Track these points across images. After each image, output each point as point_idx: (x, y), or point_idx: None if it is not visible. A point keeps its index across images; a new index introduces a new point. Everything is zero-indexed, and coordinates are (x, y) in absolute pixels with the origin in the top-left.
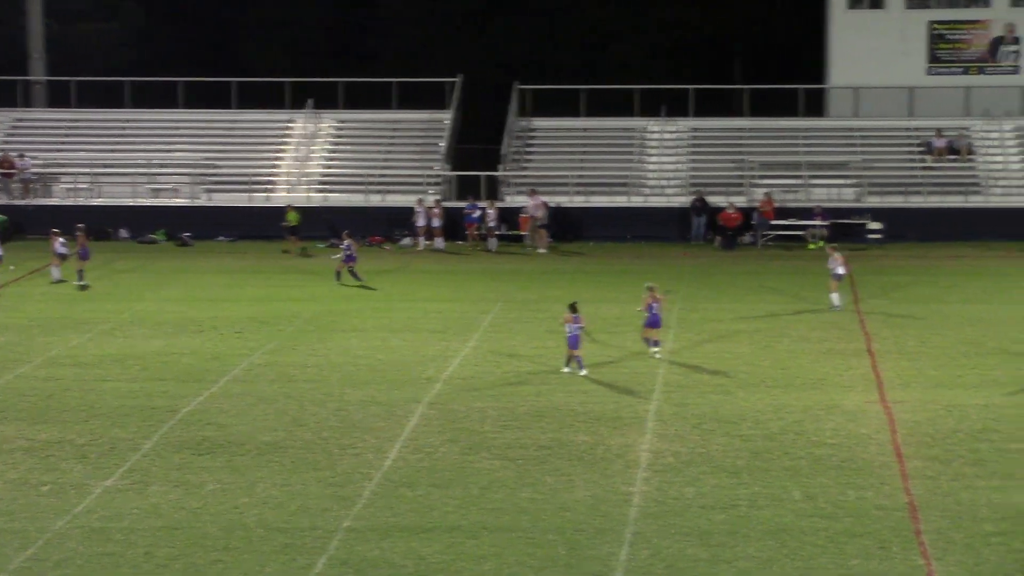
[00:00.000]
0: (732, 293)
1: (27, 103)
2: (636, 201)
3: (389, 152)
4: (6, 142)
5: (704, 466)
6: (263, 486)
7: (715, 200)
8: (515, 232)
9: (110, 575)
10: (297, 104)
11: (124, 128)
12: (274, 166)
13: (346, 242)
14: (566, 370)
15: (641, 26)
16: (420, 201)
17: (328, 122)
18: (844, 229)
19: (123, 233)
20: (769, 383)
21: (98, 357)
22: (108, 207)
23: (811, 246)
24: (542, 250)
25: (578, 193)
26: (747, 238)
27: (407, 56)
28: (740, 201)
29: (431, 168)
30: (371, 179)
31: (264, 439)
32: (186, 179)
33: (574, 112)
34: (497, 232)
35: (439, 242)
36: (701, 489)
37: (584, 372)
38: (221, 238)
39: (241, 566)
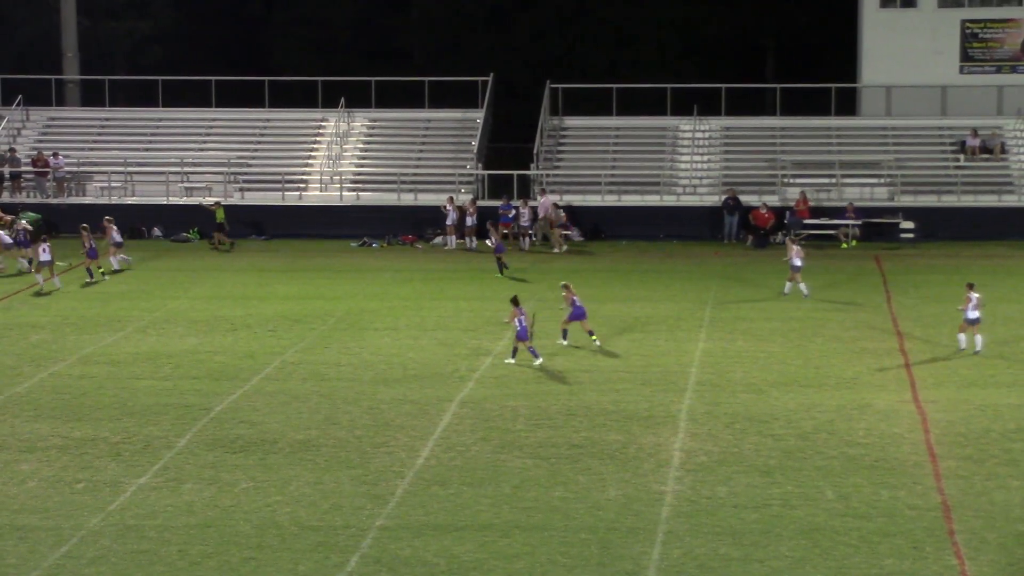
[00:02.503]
0: (764, 292)
1: (61, 102)
2: (668, 200)
3: (421, 151)
4: (40, 141)
5: (736, 465)
6: (296, 484)
7: (747, 199)
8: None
9: (144, 573)
10: (329, 103)
11: (157, 127)
12: (306, 165)
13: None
14: (510, 361)
15: (672, 25)
16: (450, 199)
17: (360, 121)
18: (877, 228)
19: (156, 232)
20: (801, 382)
21: (131, 355)
22: (141, 206)
23: (843, 245)
24: (556, 250)
25: (610, 192)
26: (779, 237)
27: (439, 55)
28: (772, 200)
29: (463, 167)
30: (403, 178)
31: (297, 437)
32: (219, 178)
33: (606, 111)
34: (530, 231)
35: (471, 241)
36: (734, 488)
37: (539, 361)
38: (254, 237)
39: (274, 564)
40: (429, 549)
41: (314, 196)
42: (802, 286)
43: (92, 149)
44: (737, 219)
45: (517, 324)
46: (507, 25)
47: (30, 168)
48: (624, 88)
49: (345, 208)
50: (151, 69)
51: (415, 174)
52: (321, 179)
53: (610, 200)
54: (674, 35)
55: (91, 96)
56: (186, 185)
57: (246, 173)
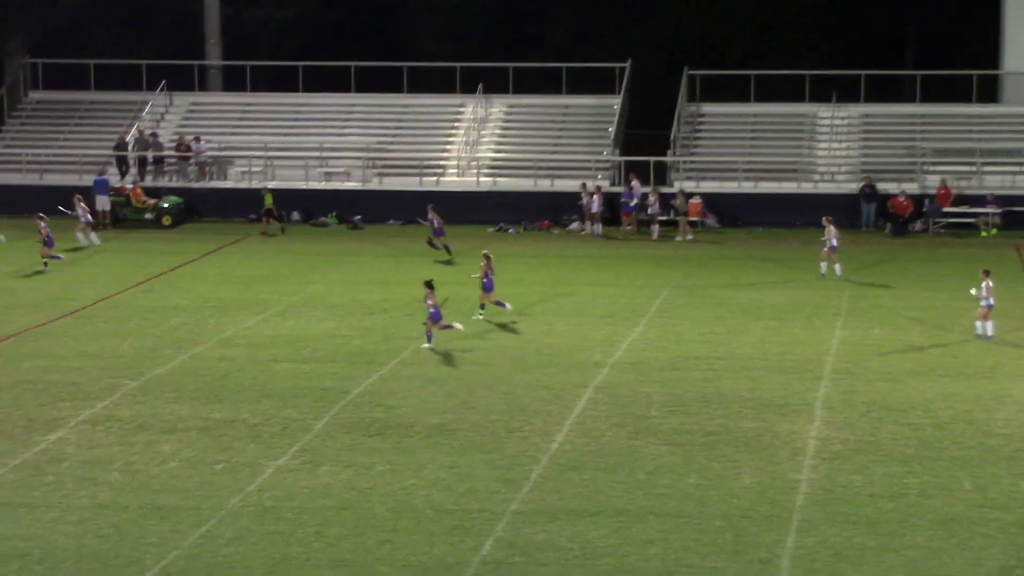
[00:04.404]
0: (902, 281)
1: (203, 87)
2: (805, 187)
3: (558, 137)
4: (183, 125)
5: (873, 454)
6: (431, 468)
7: (885, 187)
8: (680, 219)
9: (281, 553)
10: (467, 89)
11: (297, 112)
12: (444, 150)
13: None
14: (426, 346)
15: (811, 10)
16: (584, 185)
17: (498, 107)
18: (1018, 217)
19: (295, 216)
20: (939, 371)
21: (270, 338)
22: (281, 190)
23: (983, 234)
24: (680, 238)
25: (746, 179)
26: (918, 225)
27: (576, 41)
28: (911, 188)
29: (600, 153)
30: (540, 164)
31: (433, 421)
32: (358, 163)
33: (744, 98)
34: (660, 218)
35: (597, 227)
36: (869, 477)
37: (428, 346)
38: (391, 222)
39: (409, 547)
40: (563, 534)
41: (451, 182)
42: (837, 267)
43: (233, 134)
44: (875, 207)
45: (430, 307)
46: (645, 11)
47: (172, 152)
48: (762, 75)
49: (482, 194)
50: (292, 55)
51: (551, 160)
52: (459, 165)
53: (746, 187)
54: (813, 21)
55: (233, 81)
56: (325, 170)
57: (384, 158)
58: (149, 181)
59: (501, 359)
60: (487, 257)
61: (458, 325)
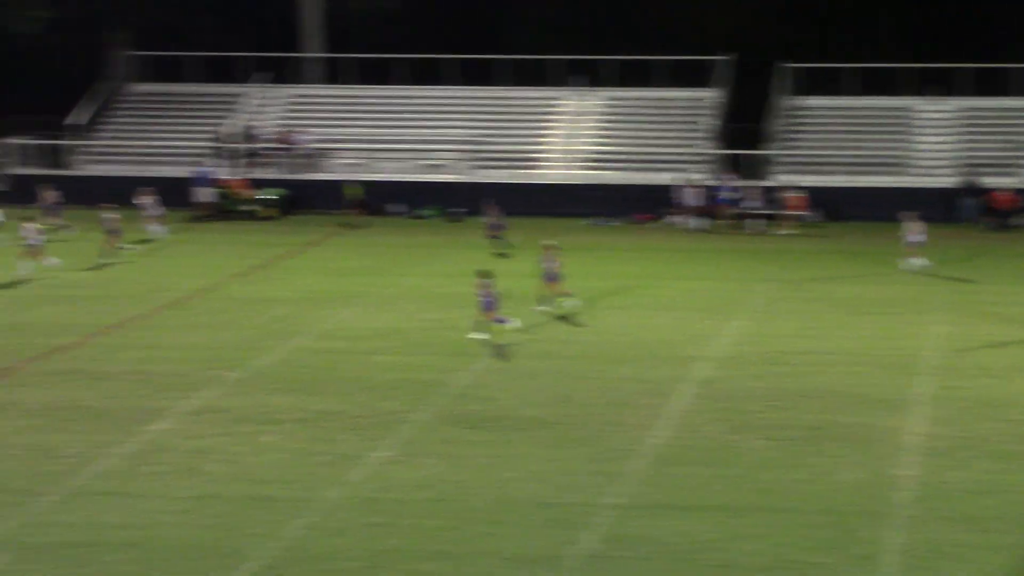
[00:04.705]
0: (1003, 276)
1: (304, 80)
2: (904, 181)
3: (655, 130)
4: (284, 117)
5: (975, 451)
6: (530, 460)
7: (986, 181)
8: (778, 212)
9: (381, 545)
10: (565, 81)
11: (397, 105)
12: (542, 143)
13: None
14: (476, 336)
15: (912, 3)
16: (680, 179)
17: (595, 99)
18: None
19: (395, 208)
20: None
21: (370, 331)
22: (381, 182)
23: None
24: (781, 232)
25: (845, 172)
26: (1020, 220)
27: (674, 33)
28: (1012, 182)
29: (698, 146)
30: (637, 157)
31: (530, 414)
32: (456, 155)
33: (843, 91)
34: (758, 212)
35: (695, 221)
36: (972, 474)
37: (480, 336)
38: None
39: (509, 539)
40: (665, 528)
41: (550, 174)
42: (918, 260)
43: (333, 126)
44: (975, 201)
45: (483, 297)
46: (743, 3)
47: (273, 144)
48: (861, 68)
49: (580, 187)
50: (392, 47)
51: (649, 153)
52: (557, 157)
53: (843, 181)
54: (912, 14)
55: (334, 74)
56: (425, 162)
57: (483, 151)
58: (250, 173)
59: (599, 352)
60: (550, 248)
61: (514, 321)
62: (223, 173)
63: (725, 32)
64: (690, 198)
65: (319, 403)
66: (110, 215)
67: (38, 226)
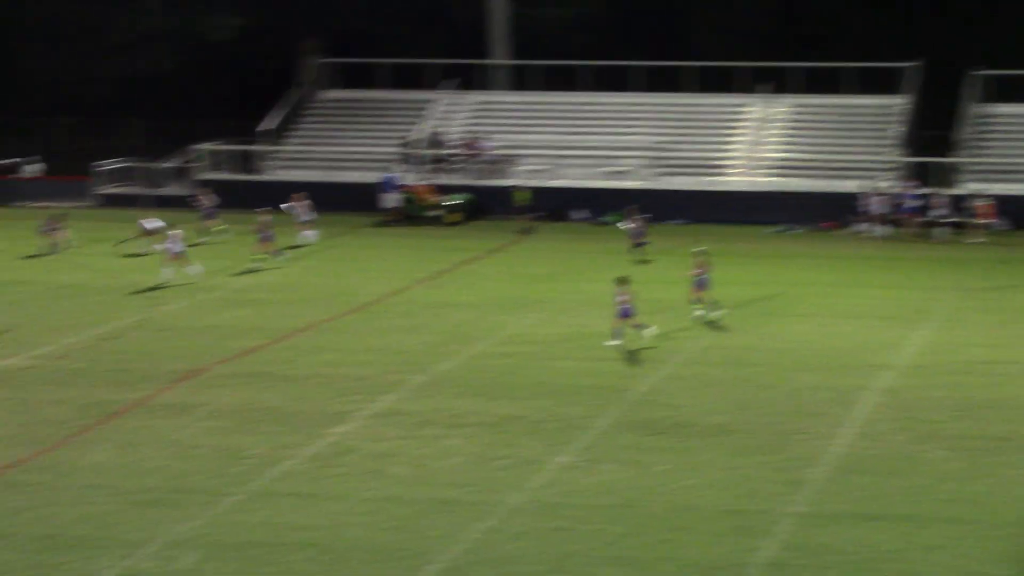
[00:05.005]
0: None
1: (491, 86)
2: None
3: (842, 137)
4: (470, 124)
5: None
6: (712, 468)
7: None
8: (966, 221)
9: (562, 549)
10: (751, 88)
11: (582, 111)
12: (727, 150)
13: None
14: (613, 343)
15: None
16: (866, 186)
17: (781, 106)
18: None
19: (578, 215)
20: None
21: (553, 336)
22: (565, 189)
23: None
24: (972, 241)
25: None
26: None
27: (861, 40)
28: None
29: (883, 154)
30: (823, 164)
31: (713, 421)
32: (641, 162)
33: None
34: (945, 220)
35: (880, 229)
36: None
37: (616, 343)
38: (674, 221)
39: (690, 546)
40: (846, 537)
41: (734, 181)
42: None
43: (519, 132)
44: None
45: (620, 304)
46: (933, 10)
47: (459, 151)
48: None
49: (765, 194)
50: (578, 54)
51: (835, 160)
52: (742, 164)
53: None
54: None
55: (519, 80)
56: (609, 169)
57: (667, 157)
58: (436, 179)
59: (782, 360)
60: (701, 254)
61: (651, 328)
62: (410, 179)
63: (913, 37)
64: (876, 206)
65: (502, 407)
66: (264, 219)
67: (180, 232)
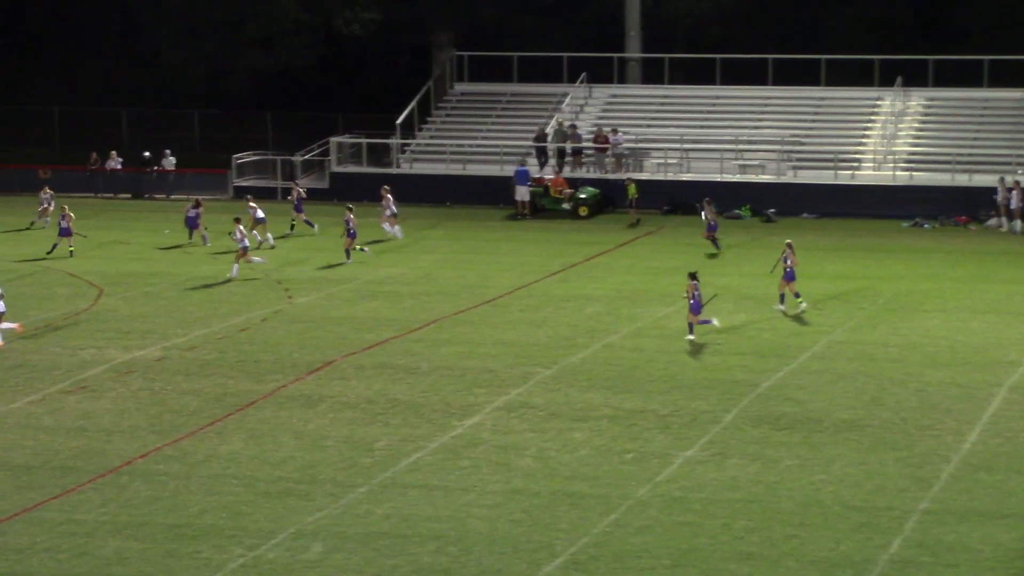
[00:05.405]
0: None
1: (622, 79)
2: None
3: (976, 131)
4: (601, 117)
5: None
6: (840, 464)
7: None
8: None
9: (688, 544)
10: (885, 82)
11: (713, 104)
12: (860, 144)
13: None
14: (689, 338)
15: None
16: (1002, 180)
17: (916, 100)
18: None
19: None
20: None
21: (682, 329)
22: (696, 182)
23: None
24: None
25: None
26: None
27: (999, 32)
28: None
29: (1022, 148)
30: (958, 158)
31: (842, 416)
32: (772, 156)
33: None
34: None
35: (1017, 224)
36: None
37: (690, 338)
38: (805, 215)
39: (816, 542)
40: (973, 535)
41: (867, 175)
42: None
43: (650, 126)
44: None
45: (691, 298)
46: None
47: (591, 144)
48: None
49: (898, 188)
50: (710, 47)
51: (970, 154)
52: (875, 158)
53: None
54: None
55: (651, 74)
56: (740, 162)
57: (799, 151)
58: (567, 172)
59: (913, 355)
60: (789, 246)
61: (715, 321)
62: (542, 172)
63: None
64: (1012, 200)
65: (629, 401)
66: (351, 214)
67: (243, 228)
